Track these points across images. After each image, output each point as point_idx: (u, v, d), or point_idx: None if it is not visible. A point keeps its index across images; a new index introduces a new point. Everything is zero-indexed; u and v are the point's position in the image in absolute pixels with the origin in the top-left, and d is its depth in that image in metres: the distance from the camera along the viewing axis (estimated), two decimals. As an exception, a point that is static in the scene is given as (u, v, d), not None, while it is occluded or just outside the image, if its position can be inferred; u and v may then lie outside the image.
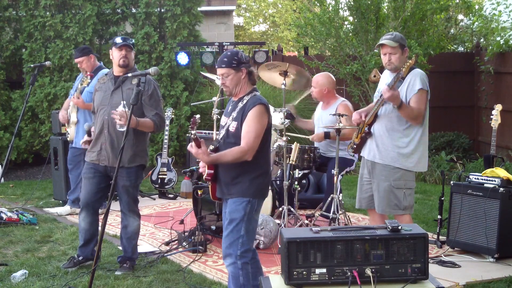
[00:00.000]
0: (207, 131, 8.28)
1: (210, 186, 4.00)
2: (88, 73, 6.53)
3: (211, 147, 3.91)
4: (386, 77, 4.83)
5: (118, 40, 5.04)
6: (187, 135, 8.98)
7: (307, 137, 6.46)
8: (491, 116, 6.14)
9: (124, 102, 4.76)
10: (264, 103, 3.86)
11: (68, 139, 6.86)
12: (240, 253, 3.85)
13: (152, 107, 4.95)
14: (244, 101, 3.89)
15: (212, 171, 3.92)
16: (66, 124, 6.85)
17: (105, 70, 6.41)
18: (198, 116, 3.86)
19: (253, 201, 3.87)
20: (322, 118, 6.29)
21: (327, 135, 6.11)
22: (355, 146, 4.95)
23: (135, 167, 5.01)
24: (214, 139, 4.14)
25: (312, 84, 6.34)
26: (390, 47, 4.64)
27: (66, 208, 7.05)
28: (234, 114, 3.90)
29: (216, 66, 3.97)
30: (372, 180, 4.81)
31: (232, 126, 3.89)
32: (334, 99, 6.35)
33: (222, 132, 3.96)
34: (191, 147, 3.79)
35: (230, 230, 3.88)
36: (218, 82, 6.39)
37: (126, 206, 5.07)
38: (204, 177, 3.96)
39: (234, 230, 3.86)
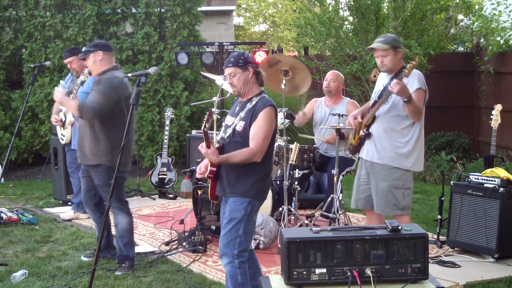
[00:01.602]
0: (206, 131, 8.26)
1: (210, 185, 3.99)
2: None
3: (216, 145, 3.91)
4: (382, 79, 4.83)
5: None
6: (187, 135, 8.98)
7: (320, 139, 6.44)
8: (491, 116, 6.14)
9: (63, 81, 5.26)
10: (274, 105, 3.87)
11: (63, 142, 6.73)
12: (237, 252, 3.85)
13: (91, 96, 5.01)
14: (253, 102, 3.89)
15: (214, 169, 3.91)
16: (60, 128, 6.68)
17: None
18: (213, 109, 3.85)
19: (253, 202, 3.88)
20: (330, 118, 6.30)
21: (341, 136, 6.05)
22: (351, 148, 4.95)
23: (103, 167, 4.99)
24: (215, 139, 4.11)
25: (331, 77, 6.40)
26: (380, 50, 4.63)
27: (70, 213, 6.96)
28: (242, 114, 3.89)
29: (224, 67, 3.98)
30: (370, 181, 4.81)
31: (240, 126, 3.88)
32: (341, 98, 6.49)
33: (228, 131, 3.94)
34: (201, 147, 3.80)
35: (228, 229, 3.88)
36: (218, 82, 6.39)
37: (111, 204, 5.06)
38: (206, 174, 3.95)
39: (233, 230, 3.86)
